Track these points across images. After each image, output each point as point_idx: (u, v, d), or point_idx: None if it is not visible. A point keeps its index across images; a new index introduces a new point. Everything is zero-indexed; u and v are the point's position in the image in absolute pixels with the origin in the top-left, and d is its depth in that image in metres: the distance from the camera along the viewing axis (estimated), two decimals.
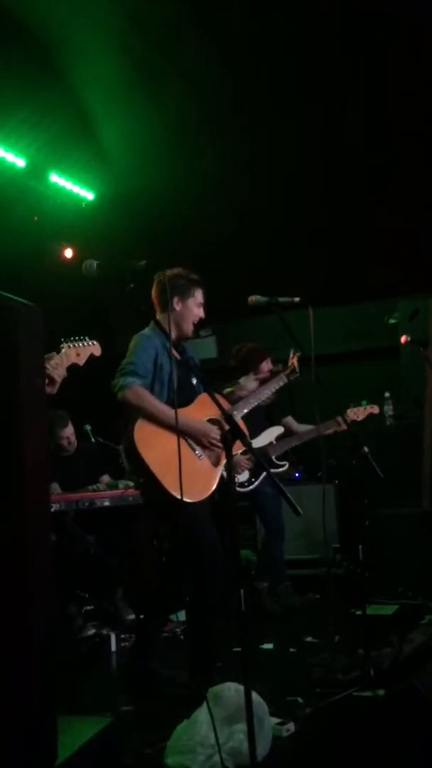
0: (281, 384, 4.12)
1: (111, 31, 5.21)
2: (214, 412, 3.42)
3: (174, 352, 3.41)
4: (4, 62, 4.91)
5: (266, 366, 5.24)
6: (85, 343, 3.10)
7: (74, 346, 3.01)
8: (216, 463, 3.42)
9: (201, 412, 3.43)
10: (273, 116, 5.80)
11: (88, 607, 4.81)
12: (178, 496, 2.89)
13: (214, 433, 3.36)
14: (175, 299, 3.47)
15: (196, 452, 3.37)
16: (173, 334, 3.38)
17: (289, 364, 4.22)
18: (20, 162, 5.46)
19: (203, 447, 3.37)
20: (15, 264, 4.83)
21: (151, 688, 3.39)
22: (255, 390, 3.94)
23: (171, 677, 3.45)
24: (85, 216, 6.22)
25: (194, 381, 3.57)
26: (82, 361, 3.08)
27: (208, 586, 3.31)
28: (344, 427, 4.63)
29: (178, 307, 3.48)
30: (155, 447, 3.20)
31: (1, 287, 2.14)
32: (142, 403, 3.24)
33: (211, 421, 3.43)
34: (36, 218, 5.84)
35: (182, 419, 3.19)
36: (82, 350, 3.08)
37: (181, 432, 3.17)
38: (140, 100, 5.84)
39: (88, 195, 6.24)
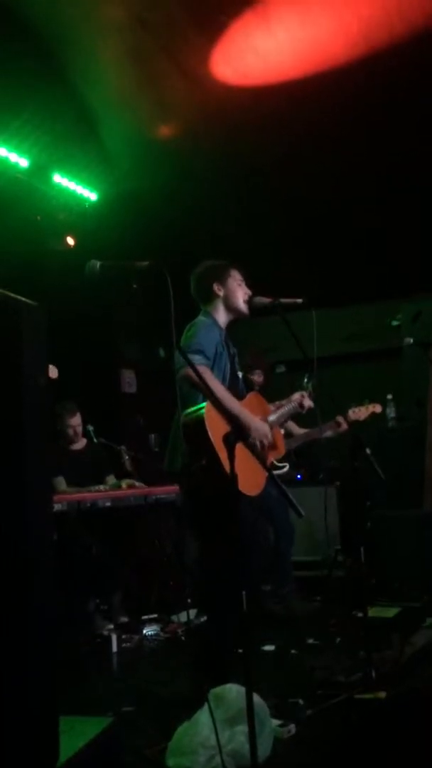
0: (296, 410, 4.05)
1: (114, 31, 5.21)
2: (265, 414, 3.40)
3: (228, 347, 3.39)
4: (7, 62, 4.91)
5: (255, 378, 5.27)
6: None
7: None
8: (264, 464, 3.38)
9: (253, 410, 3.35)
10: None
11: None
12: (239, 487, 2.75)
13: (270, 435, 3.27)
14: (215, 286, 3.42)
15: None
16: (226, 319, 3.39)
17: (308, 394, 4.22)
18: (23, 162, 5.46)
19: (259, 446, 3.25)
20: (18, 263, 4.83)
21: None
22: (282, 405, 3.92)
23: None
24: (88, 216, 6.22)
25: (240, 375, 3.51)
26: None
27: (234, 587, 3.28)
28: (345, 427, 4.63)
29: (220, 292, 3.43)
30: (220, 431, 2.90)
31: (5, 286, 2.14)
32: (209, 382, 2.90)
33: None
34: (39, 218, 5.84)
35: (246, 413, 3.16)
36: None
37: (243, 425, 3.09)
38: (143, 100, 5.85)
39: (92, 195, 6.25)
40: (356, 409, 4.81)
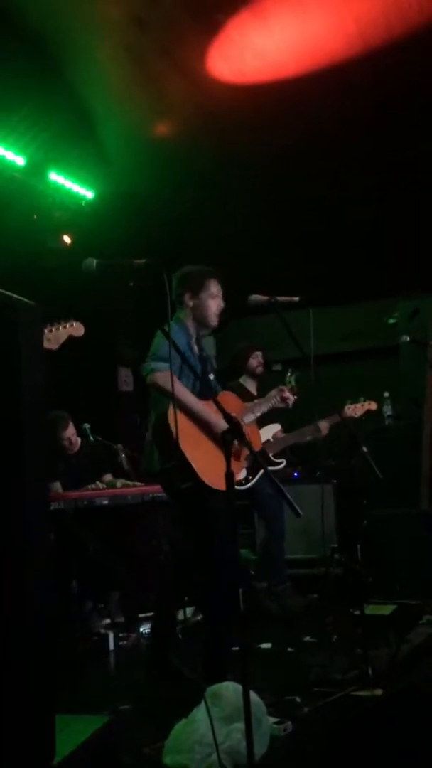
0: (275, 401, 4.12)
1: (111, 29, 5.20)
2: (236, 411, 3.45)
3: (195, 347, 3.48)
4: (4, 60, 4.90)
5: (255, 362, 5.30)
6: (59, 327, 3.03)
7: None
8: (237, 458, 3.44)
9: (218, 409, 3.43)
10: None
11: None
12: (206, 481, 2.96)
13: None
14: (187, 295, 3.50)
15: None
16: (192, 329, 3.49)
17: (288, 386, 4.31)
18: (20, 160, 5.45)
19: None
20: (14, 262, 4.83)
21: (168, 682, 3.41)
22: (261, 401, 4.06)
23: (185, 674, 3.46)
24: (84, 214, 6.22)
25: (211, 377, 3.59)
26: (55, 346, 3.00)
27: (224, 585, 3.31)
28: (324, 433, 4.73)
29: (191, 302, 3.50)
30: (187, 432, 3.20)
31: (1, 285, 2.14)
32: (170, 387, 3.14)
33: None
34: (35, 217, 5.83)
35: (207, 412, 3.26)
36: (54, 335, 3.01)
37: (205, 423, 3.22)
38: (140, 98, 5.84)
39: (88, 194, 6.24)
40: (352, 406, 4.83)
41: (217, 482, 3.16)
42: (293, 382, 4.54)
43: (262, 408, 3.96)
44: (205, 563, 3.33)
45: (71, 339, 3.09)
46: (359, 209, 6.39)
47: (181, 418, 3.20)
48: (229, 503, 2.40)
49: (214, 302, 3.50)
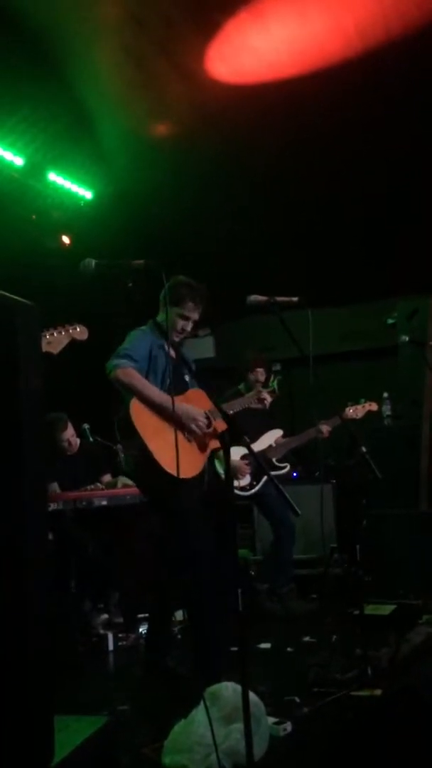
0: (251, 401, 4.16)
1: (110, 29, 5.20)
2: (204, 407, 3.52)
3: (171, 351, 3.49)
4: (2, 61, 4.90)
5: (253, 377, 5.27)
6: (62, 331, 3.03)
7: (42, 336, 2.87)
8: (202, 450, 3.52)
9: (191, 403, 3.52)
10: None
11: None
12: (169, 470, 3.04)
13: (202, 417, 3.44)
14: (163, 303, 3.55)
15: (185, 435, 3.45)
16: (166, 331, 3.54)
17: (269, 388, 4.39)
18: (18, 161, 5.45)
19: (189, 431, 3.44)
20: (13, 262, 4.83)
21: (165, 683, 3.42)
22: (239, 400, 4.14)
23: (183, 675, 3.47)
24: (83, 215, 6.21)
25: (187, 378, 3.66)
26: (56, 350, 3.01)
27: (201, 579, 3.32)
28: (325, 436, 4.75)
29: (163, 309, 3.57)
30: (148, 424, 3.30)
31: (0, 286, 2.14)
32: (132, 382, 3.33)
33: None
34: (34, 217, 5.83)
35: (167, 401, 3.30)
36: (56, 339, 3.02)
37: (169, 413, 3.26)
38: (138, 98, 5.84)
39: (87, 194, 6.24)
40: (353, 407, 4.84)
41: (185, 471, 3.19)
42: (275, 386, 4.60)
43: (234, 407, 3.96)
44: (183, 558, 3.36)
45: (73, 343, 3.09)
46: (358, 210, 6.39)
47: (145, 412, 3.31)
48: (229, 503, 2.41)
49: (180, 322, 3.58)
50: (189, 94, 5.68)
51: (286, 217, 6.52)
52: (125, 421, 3.32)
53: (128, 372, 3.34)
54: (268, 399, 4.24)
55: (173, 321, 3.56)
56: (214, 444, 3.58)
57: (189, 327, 3.63)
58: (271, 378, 4.74)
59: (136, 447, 3.30)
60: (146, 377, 3.41)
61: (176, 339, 3.62)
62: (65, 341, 3.05)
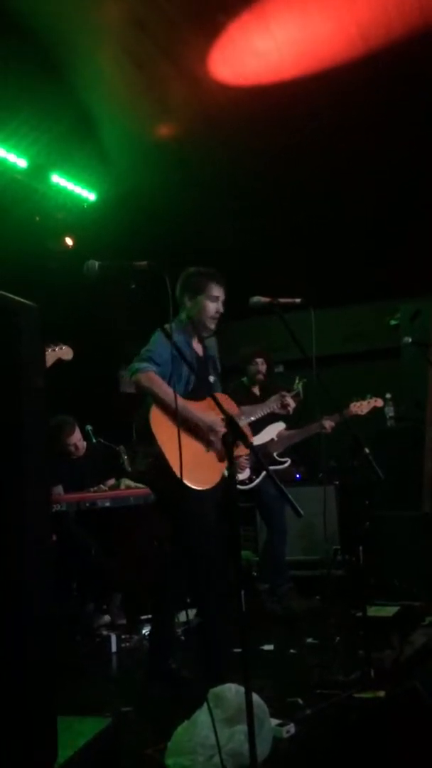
0: (275, 407, 4.12)
1: (113, 32, 5.21)
2: (231, 410, 3.45)
3: (197, 347, 3.53)
4: (6, 63, 4.91)
5: (254, 368, 5.27)
6: (47, 350, 3.00)
7: None
8: (221, 459, 3.45)
9: (211, 409, 3.43)
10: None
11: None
12: (183, 480, 2.98)
13: (221, 428, 3.36)
14: (186, 296, 3.53)
15: (204, 445, 3.40)
16: (191, 330, 3.53)
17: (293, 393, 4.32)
18: (22, 163, 5.46)
19: (208, 441, 3.38)
20: (16, 264, 4.83)
21: (168, 686, 3.40)
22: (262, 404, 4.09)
23: (186, 676, 3.46)
24: (86, 216, 6.22)
25: (212, 379, 3.61)
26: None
27: (209, 584, 3.31)
28: (328, 431, 4.72)
29: (189, 303, 3.53)
30: (166, 430, 3.24)
31: (2, 287, 2.14)
32: (153, 387, 3.27)
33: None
34: (38, 219, 5.84)
35: (190, 410, 3.29)
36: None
37: (189, 422, 3.25)
38: (141, 100, 5.85)
39: (90, 196, 6.25)
40: (358, 403, 4.83)
41: (194, 481, 3.19)
42: (300, 389, 4.51)
43: (257, 412, 3.95)
44: (191, 563, 3.35)
45: (59, 363, 3.07)
46: (361, 211, 6.39)
47: (163, 418, 3.26)
48: (233, 505, 2.40)
49: (212, 305, 3.51)
50: (192, 96, 5.69)
51: (290, 218, 6.52)
52: (144, 422, 3.28)
53: (149, 376, 3.30)
54: (292, 405, 4.14)
55: (204, 308, 3.49)
56: (239, 451, 3.49)
57: (222, 308, 3.54)
58: (296, 381, 4.65)
59: (151, 453, 3.26)
60: (169, 381, 3.34)
61: (212, 326, 3.56)
62: (51, 360, 3.04)
